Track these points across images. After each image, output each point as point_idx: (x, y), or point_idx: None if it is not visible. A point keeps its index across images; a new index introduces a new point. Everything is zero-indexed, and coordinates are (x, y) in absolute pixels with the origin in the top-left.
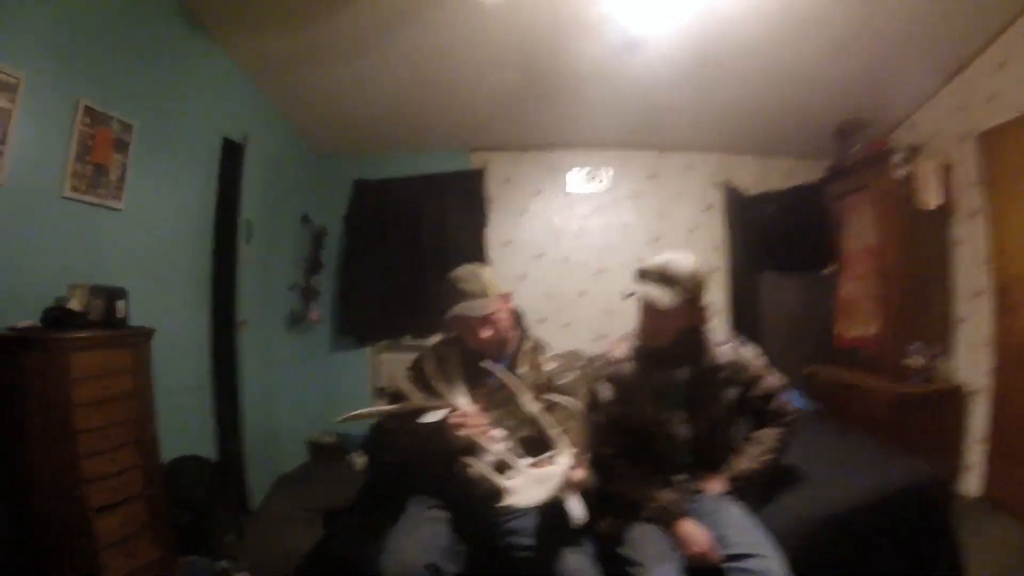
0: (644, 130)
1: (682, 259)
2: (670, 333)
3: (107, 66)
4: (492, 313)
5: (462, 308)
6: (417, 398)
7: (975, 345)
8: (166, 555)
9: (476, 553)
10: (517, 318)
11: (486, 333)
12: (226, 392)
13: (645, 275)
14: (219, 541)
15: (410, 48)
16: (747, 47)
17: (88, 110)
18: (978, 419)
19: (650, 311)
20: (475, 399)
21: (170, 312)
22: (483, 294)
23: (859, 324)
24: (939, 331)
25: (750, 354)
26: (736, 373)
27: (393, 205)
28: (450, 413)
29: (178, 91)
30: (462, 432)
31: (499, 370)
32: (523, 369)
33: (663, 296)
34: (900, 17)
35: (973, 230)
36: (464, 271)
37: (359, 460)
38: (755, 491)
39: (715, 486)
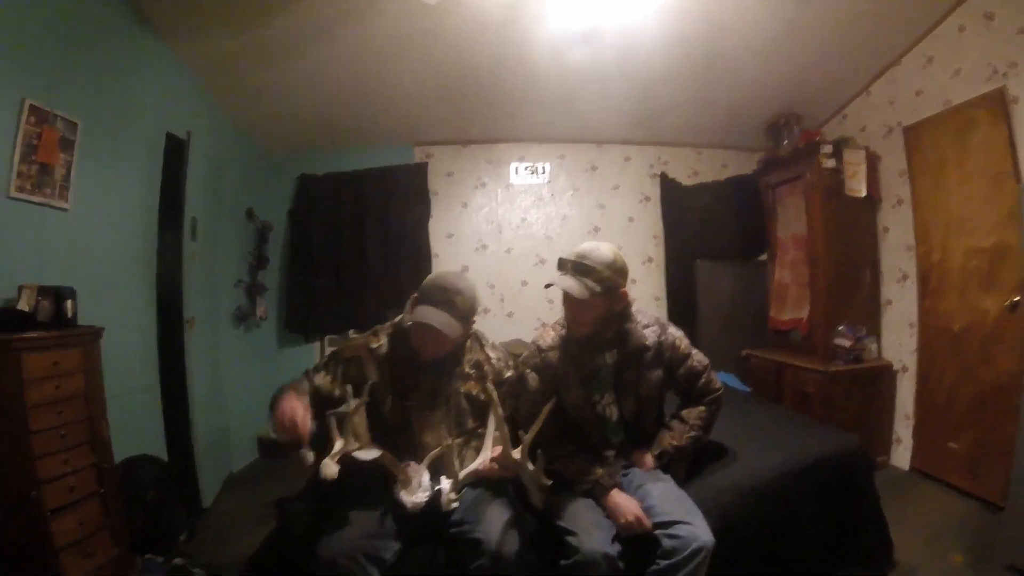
0: (583, 124)
1: (600, 248)
2: (590, 321)
3: (52, 63)
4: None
5: (442, 324)
6: (351, 445)
7: (902, 326)
8: (123, 554)
9: (417, 538)
10: None
11: (445, 350)
12: (175, 391)
13: (563, 265)
14: (173, 540)
15: (353, 45)
16: (680, 44)
17: (33, 109)
18: (905, 395)
19: (569, 300)
20: (415, 400)
21: (117, 311)
22: (467, 316)
23: (791, 308)
24: (868, 313)
25: (675, 334)
26: (662, 353)
27: (337, 199)
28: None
29: (123, 88)
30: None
31: None
32: (469, 365)
33: (577, 286)
34: (830, 16)
35: (899, 218)
36: (463, 283)
37: (309, 455)
38: (682, 465)
39: (644, 462)
